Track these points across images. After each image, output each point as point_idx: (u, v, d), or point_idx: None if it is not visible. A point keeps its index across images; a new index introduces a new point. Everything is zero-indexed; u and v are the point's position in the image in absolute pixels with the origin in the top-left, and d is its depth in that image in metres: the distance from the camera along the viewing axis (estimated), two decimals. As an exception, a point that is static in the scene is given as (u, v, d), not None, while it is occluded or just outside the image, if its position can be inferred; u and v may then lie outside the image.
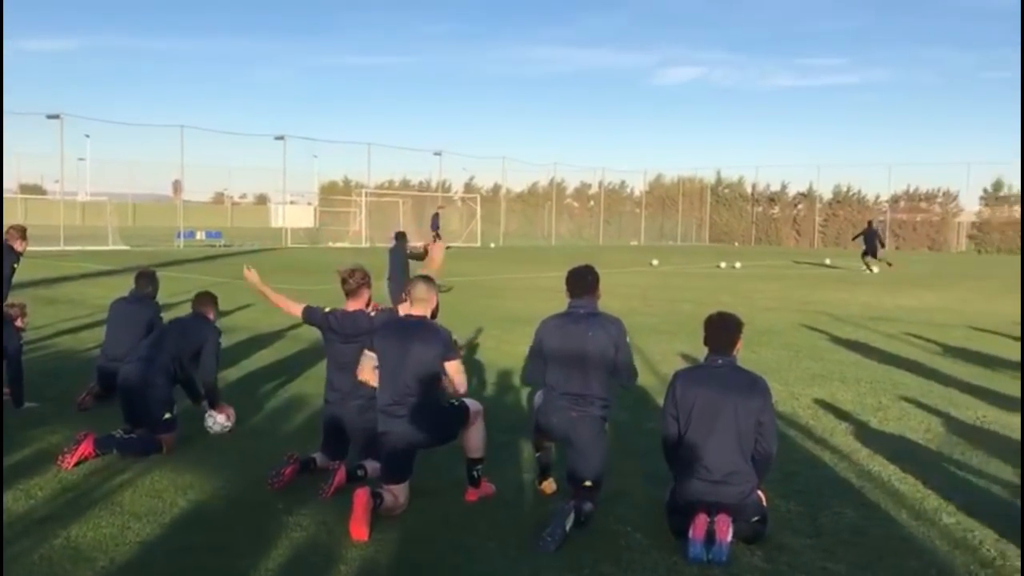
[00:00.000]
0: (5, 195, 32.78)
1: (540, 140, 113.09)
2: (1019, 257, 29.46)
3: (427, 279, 5.34)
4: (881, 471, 5.79)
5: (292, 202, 50.24)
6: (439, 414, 5.04)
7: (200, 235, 38.26)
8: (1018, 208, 47.22)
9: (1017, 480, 5.64)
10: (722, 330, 4.69)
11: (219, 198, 74.62)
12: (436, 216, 38.56)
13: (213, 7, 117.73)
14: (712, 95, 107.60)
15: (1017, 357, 10.51)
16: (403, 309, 5.51)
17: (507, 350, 10.34)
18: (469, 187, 54.40)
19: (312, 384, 8.11)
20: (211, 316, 6.81)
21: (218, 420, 6.39)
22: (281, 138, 39.55)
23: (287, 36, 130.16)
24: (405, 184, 53.99)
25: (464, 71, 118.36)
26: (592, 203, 59.05)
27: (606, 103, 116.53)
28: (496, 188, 54.45)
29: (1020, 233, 42.39)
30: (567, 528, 4.46)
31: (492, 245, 44.24)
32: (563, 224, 56.98)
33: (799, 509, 5.01)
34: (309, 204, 58.45)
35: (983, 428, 7.03)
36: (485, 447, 5.23)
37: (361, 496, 4.52)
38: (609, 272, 22.50)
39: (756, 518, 4.47)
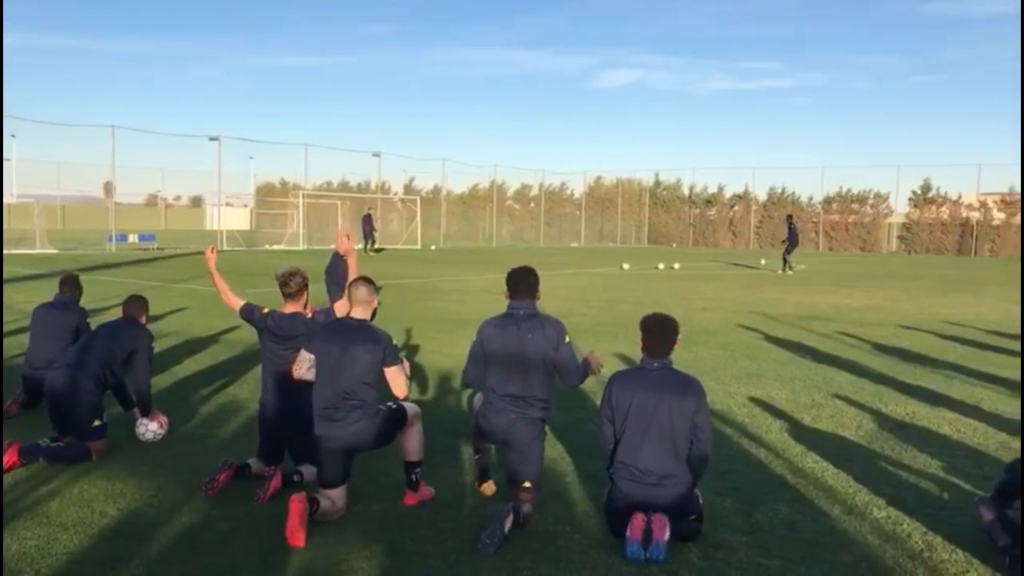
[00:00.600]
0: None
1: (480, 142, 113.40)
2: (946, 258, 30.37)
3: (368, 281, 5.28)
4: (814, 467, 5.91)
5: (228, 204, 49.34)
6: (376, 418, 5.00)
7: (132, 238, 37.30)
8: (946, 209, 48.67)
9: (944, 474, 5.81)
10: (659, 332, 4.73)
11: (152, 200, 73.06)
12: (369, 218, 38.03)
13: (143, 5, 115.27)
14: (650, 98, 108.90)
15: (944, 355, 10.83)
16: (339, 308, 5.47)
17: (447, 352, 10.29)
18: (409, 189, 54.11)
19: (246, 389, 7.99)
20: (142, 320, 6.65)
21: (150, 428, 6.24)
22: (216, 139, 38.81)
23: (221, 36, 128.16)
24: (344, 186, 53.47)
25: (402, 72, 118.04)
26: (533, 205, 59.20)
27: (545, 105, 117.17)
28: (436, 190, 54.23)
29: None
30: (506, 530, 4.45)
31: (432, 247, 44.07)
32: (504, 226, 57.04)
33: (735, 506, 5.08)
34: (245, 206, 57.60)
35: (912, 424, 7.21)
36: (424, 450, 5.21)
37: (296, 502, 4.46)
38: (551, 274, 22.59)
39: (692, 517, 4.52)
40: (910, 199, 49.81)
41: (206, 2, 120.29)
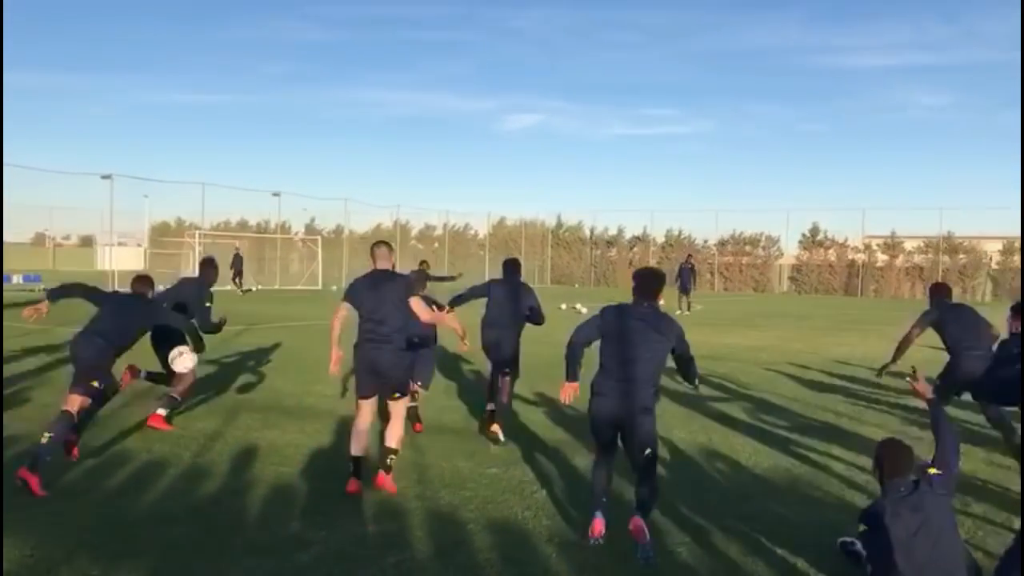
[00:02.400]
0: None
1: (383, 182, 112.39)
2: (834, 298, 31.42)
3: (387, 244, 6.80)
4: (712, 507, 5.98)
5: (120, 244, 47.71)
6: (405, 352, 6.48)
7: (17, 279, 35.62)
8: (833, 252, 50.68)
9: (836, 511, 5.95)
10: (649, 280, 5.57)
11: (40, 239, 70.12)
12: (237, 257, 37.12)
13: (33, 40, 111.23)
14: (552, 141, 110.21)
15: (834, 393, 11.21)
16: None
17: (350, 397, 10.08)
18: (310, 228, 53.36)
19: (134, 440, 7.65)
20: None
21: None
22: (108, 177, 37.53)
23: (115, 72, 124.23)
24: (243, 225, 52.44)
25: (304, 112, 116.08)
26: (437, 245, 59.18)
27: (449, 146, 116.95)
28: (338, 229, 53.61)
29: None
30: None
31: (334, 288, 43.37)
32: (407, 265, 56.27)
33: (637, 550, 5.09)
34: (139, 245, 55.73)
35: (806, 462, 7.39)
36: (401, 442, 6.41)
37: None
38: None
39: (648, 451, 5.16)
40: (800, 242, 51.69)
41: (98, 38, 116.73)
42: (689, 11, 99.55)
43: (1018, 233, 45.18)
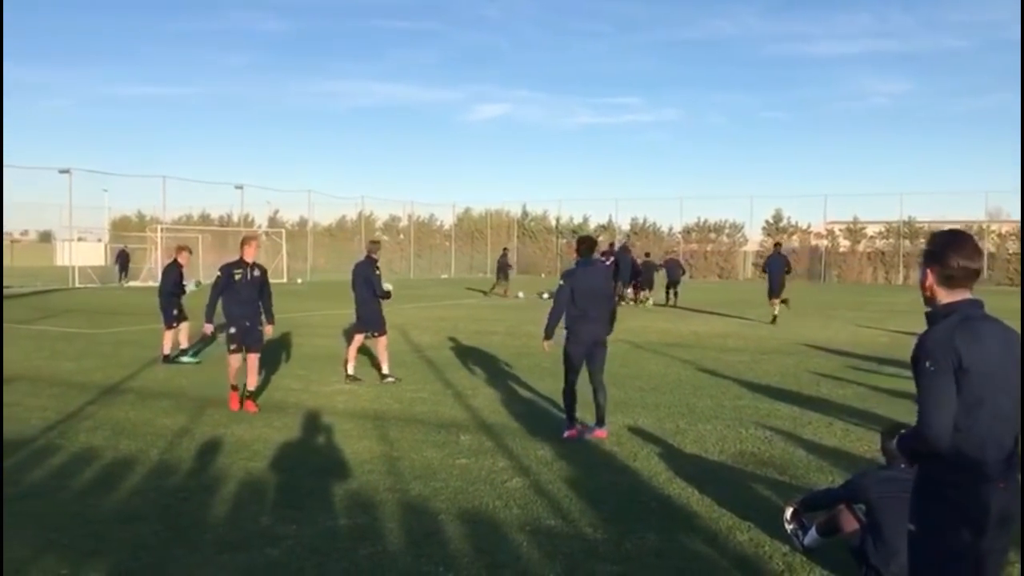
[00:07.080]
0: None
1: (347, 174, 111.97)
2: (797, 283, 31.59)
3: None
4: (680, 493, 6.06)
5: (80, 239, 47.01)
6: None
7: (-29, 276, 34.93)
8: (796, 238, 51.27)
9: (800, 495, 6.05)
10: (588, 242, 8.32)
11: (-6, 235, 68.84)
12: (122, 253, 38.08)
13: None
14: (518, 131, 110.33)
15: (798, 379, 11.34)
16: None
17: (315, 391, 10.08)
18: (274, 221, 52.98)
19: (101, 435, 7.59)
20: None
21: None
22: (66, 171, 36.98)
23: (73, 64, 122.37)
24: (204, 219, 51.92)
25: (266, 103, 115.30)
26: (402, 236, 59.01)
27: (414, 137, 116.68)
28: (302, 222, 53.28)
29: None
30: None
31: (299, 280, 43.15)
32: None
33: (604, 536, 5.15)
34: (99, 240, 55.04)
35: (772, 446, 7.50)
36: None
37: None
38: (423, 306, 22.47)
39: None
40: (763, 228, 52.26)
41: (56, 30, 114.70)
42: (653, 2, 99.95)
43: (979, 217, 46.17)
